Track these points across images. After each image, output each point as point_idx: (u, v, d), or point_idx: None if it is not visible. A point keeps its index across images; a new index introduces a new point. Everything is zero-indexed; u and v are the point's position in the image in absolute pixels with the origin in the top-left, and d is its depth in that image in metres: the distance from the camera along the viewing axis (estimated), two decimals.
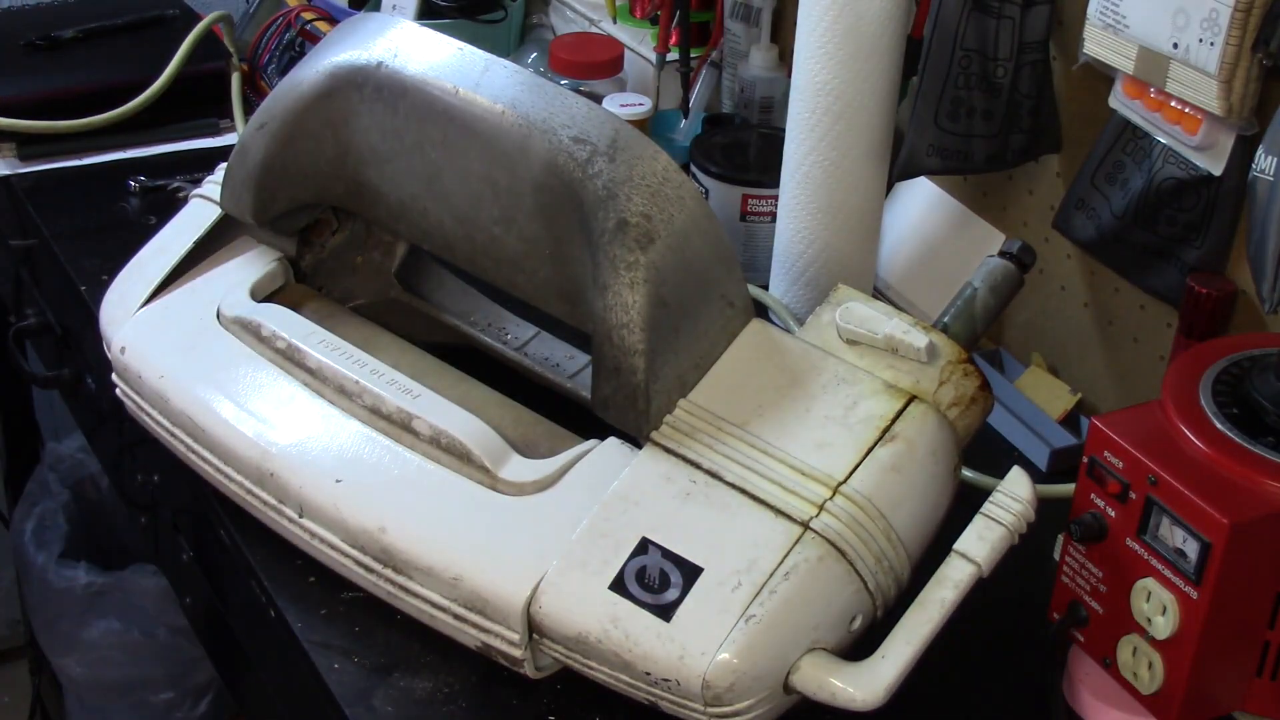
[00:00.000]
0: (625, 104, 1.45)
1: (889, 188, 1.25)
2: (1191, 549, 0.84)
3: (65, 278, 1.35)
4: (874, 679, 0.84)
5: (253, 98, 1.60)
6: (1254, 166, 0.97)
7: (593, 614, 0.87)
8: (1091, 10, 1.09)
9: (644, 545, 0.88)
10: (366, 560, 0.95)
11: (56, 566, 1.93)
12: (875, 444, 0.91)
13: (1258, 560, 0.84)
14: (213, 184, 1.14)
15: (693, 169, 1.36)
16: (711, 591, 0.86)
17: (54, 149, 1.51)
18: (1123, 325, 1.19)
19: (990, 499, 0.89)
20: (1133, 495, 0.87)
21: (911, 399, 0.93)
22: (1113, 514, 0.88)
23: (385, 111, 1.01)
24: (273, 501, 0.99)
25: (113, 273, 1.14)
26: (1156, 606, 0.86)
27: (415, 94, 0.99)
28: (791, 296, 1.25)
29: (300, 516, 0.97)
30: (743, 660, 0.84)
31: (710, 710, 0.85)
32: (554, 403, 1.07)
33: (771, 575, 0.86)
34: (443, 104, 0.98)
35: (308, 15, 1.63)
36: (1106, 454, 0.88)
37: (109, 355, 1.09)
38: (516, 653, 0.90)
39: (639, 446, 0.93)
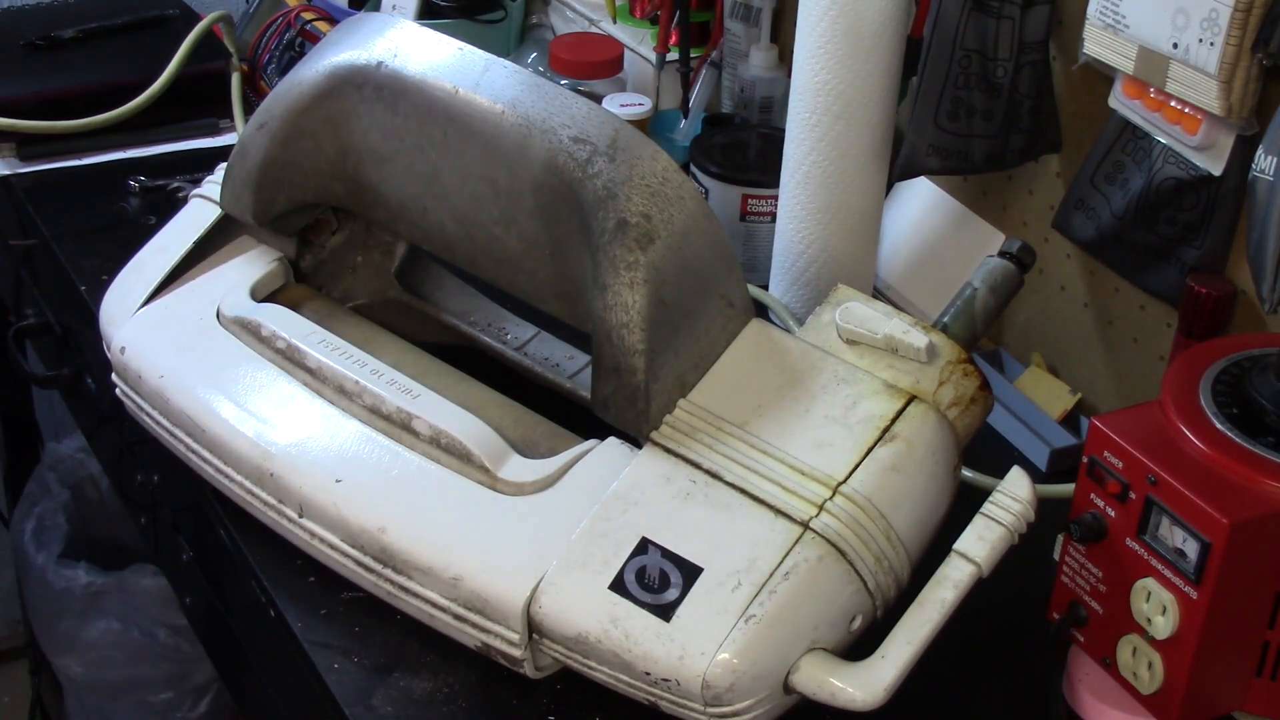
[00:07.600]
0: (625, 104, 1.45)
1: (889, 188, 1.25)
2: (1191, 549, 0.84)
3: (65, 278, 1.35)
4: (874, 679, 0.84)
5: (253, 98, 1.60)
6: (1254, 166, 0.97)
7: (593, 614, 0.87)
8: (1091, 10, 1.09)
9: (644, 545, 0.88)
10: (366, 560, 0.95)
11: (56, 566, 1.93)
12: (875, 444, 0.91)
13: (1257, 560, 0.84)
14: (213, 184, 1.14)
15: (693, 169, 1.36)
16: (711, 591, 0.86)
17: (54, 149, 1.51)
18: (1123, 325, 1.19)
19: (990, 499, 0.89)
20: (1132, 495, 0.87)
21: (911, 399, 0.93)
22: (1113, 514, 0.88)
23: (385, 111, 1.01)
24: (273, 501, 0.99)
25: (113, 273, 1.14)
26: (1156, 606, 0.86)
27: (415, 94, 0.99)
28: (791, 296, 1.25)
29: (300, 516, 0.97)
30: (742, 660, 0.84)
31: (710, 710, 0.85)
32: (554, 403, 1.07)
33: (771, 575, 0.86)
34: (442, 104, 0.98)
35: (308, 15, 1.63)
36: (1106, 454, 0.88)
37: (109, 355, 1.09)
38: (516, 653, 0.90)
39: (639, 446, 0.93)
